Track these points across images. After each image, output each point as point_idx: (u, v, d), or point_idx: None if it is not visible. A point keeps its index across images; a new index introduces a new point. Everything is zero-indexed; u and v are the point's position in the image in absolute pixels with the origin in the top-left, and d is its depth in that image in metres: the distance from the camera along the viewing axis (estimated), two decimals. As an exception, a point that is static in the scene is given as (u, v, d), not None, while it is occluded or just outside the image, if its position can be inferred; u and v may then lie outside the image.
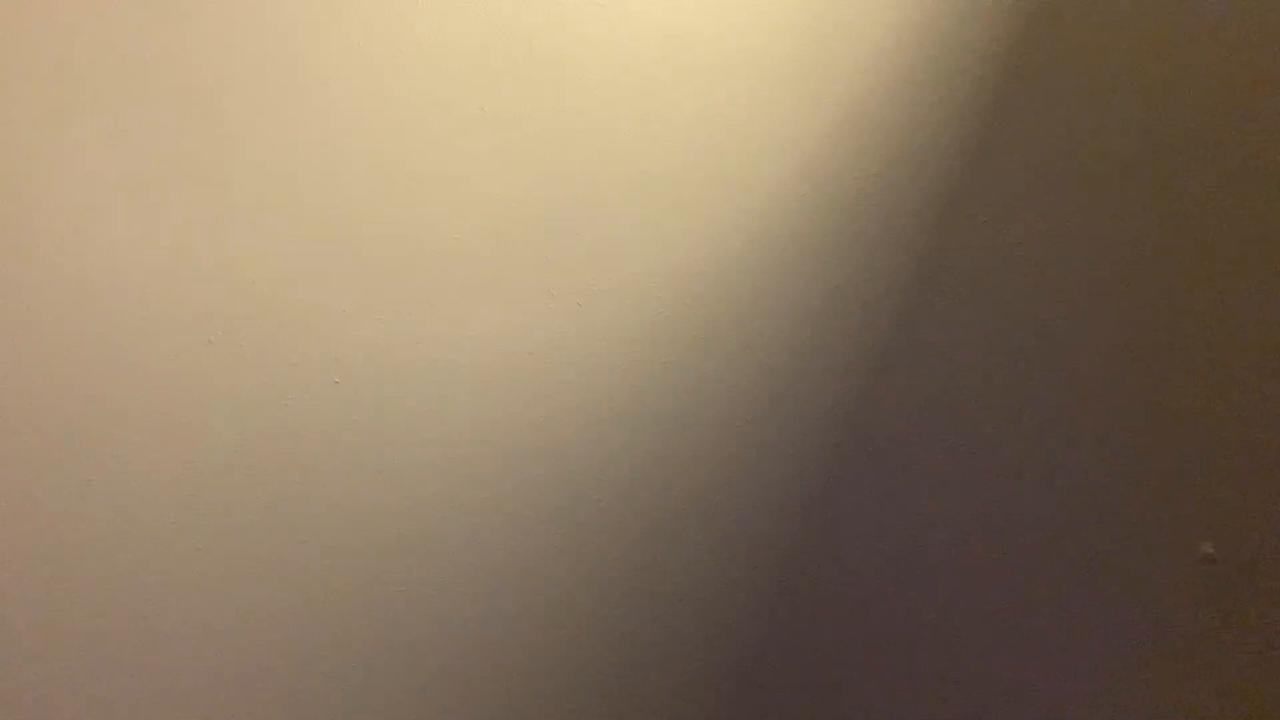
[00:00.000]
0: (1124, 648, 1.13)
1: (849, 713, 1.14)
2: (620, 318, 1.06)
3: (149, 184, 0.94)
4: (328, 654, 1.03)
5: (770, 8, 1.04)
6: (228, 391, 0.97)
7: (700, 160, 1.05)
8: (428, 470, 1.03)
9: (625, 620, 1.09)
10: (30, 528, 0.95)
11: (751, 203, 1.06)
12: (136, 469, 0.96)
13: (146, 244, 0.95)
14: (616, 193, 1.04)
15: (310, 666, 1.02)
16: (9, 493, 0.94)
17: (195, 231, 0.96)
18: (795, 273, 1.08)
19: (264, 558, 1.00)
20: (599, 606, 1.08)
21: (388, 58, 0.98)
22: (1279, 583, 1.12)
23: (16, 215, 0.92)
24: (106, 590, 0.97)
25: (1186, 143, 1.09)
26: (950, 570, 1.13)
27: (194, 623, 0.99)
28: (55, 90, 0.92)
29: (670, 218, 1.05)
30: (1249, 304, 1.10)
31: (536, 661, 1.08)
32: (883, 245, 1.08)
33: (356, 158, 0.98)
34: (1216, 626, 1.12)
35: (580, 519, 1.07)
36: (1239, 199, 1.10)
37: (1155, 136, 1.09)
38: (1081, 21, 1.08)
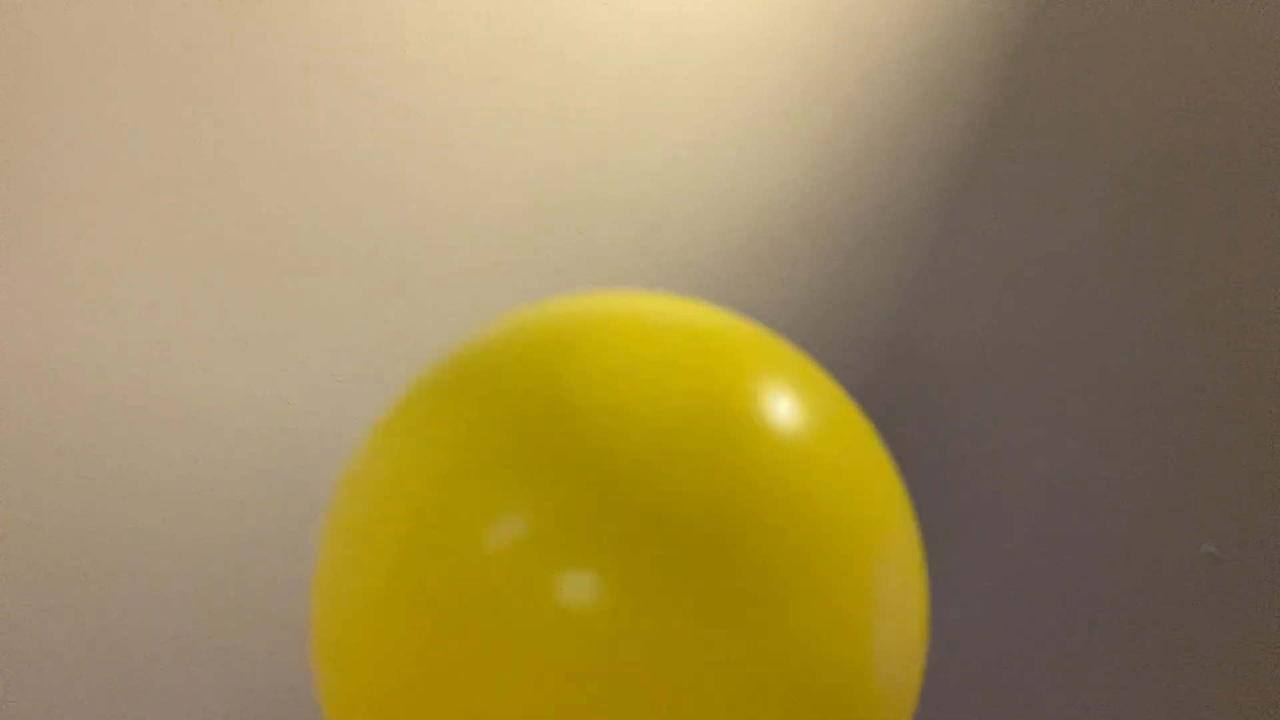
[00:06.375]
0: (1125, 647, 1.13)
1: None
2: (621, 317, 1.06)
3: (145, 179, 0.94)
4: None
5: (774, 7, 1.04)
6: (228, 387, 0.97)
7: (705, 157, 1.06)
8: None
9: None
10: (30, 527, 0.94)
11: (755, 200, 1.07)
12: (136, 468, 0.96)
13: (145, 243, 0.95)
14: (621, 189, 1.05)
15: (311, 665, 1.02)
16: (9, 493, 0.94)
17: (195, 227, 0.96)
18: (799, 270, 1.08)
19: (265, 559, 1.00)
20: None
21: (387, 54, 0.98)
22: None
23: (13, 214, 0.92)
24: (106, 589, 0.97)
25: (1189, 141, 1.10)
26: (947, 571, 1.13)
27: (194, 621, 0.99)
28: (57, 90, 0.92)
29: (676, 214, 1.05)
30: (1252, 301, 1.10)
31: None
32: (887, 244, 1.09)
33: (357, 153, 0.98)
34: (1219, 626, 1.12)
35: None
36: (1242, 197, 1.10)
37: (1159, 135, 1.10)
38: (1085, 20, 1.08)
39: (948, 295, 1.10)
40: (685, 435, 0.36)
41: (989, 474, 1.13)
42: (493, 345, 0.42)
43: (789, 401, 0.39)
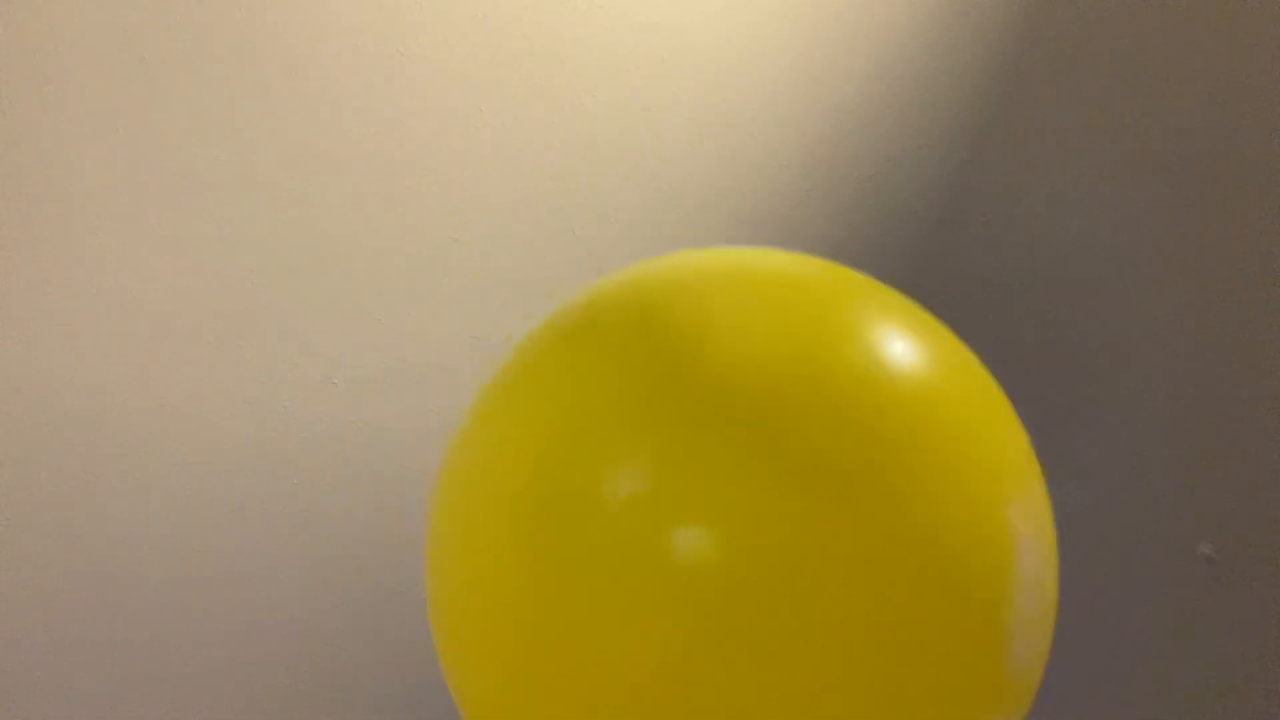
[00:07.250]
0: (1122, 647, 1.13)
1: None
2: (620, 319, 1.06)
3: (146, 183, 0.94)
4: (326, 658, 1.02)
5: (771, 10, 1.04)
6: (225, 392, 0.97)
7: (700, 161, 1.05)
8: (428, 472, 1.03)
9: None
10: (30, 528, 0.94)
11: (751, 203, 1.06)
12: (135, 469, 0.96)
13: (145, 246, 0.95)
14: (616, 194, 1.04)
15: (308, 670, 1.02)
16: (9, 493, 0.93)
17: (194, 231, 0.95)
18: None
19: (263, 561, 1.00)
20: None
21: (385, 60, 0.98)
22: (1278, 583, 1.12)
23: (13, 215, 0.92)
24: (104, 592, 0.96)
25: (1186, 142, 1.09)
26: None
27: (192, 625, 0.99)
28: (53, 90, 0.92)
29: (670, 218, 1.05)
30: (1248, 302, 1.10)
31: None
32: (881, 246, 1.08)
33: (356, 158, 0.98)
34: (1215, 627, 1.12)
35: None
36: (1239, 197, 1.10)
37: (1154, 136, 1.09)
38: (1081, 21, 1.08)
39: (945, 295, 1.10)
40: (802, 385, 0.34)
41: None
42: (595, 303, 0.42)
43: (904, 347, 0.39)
